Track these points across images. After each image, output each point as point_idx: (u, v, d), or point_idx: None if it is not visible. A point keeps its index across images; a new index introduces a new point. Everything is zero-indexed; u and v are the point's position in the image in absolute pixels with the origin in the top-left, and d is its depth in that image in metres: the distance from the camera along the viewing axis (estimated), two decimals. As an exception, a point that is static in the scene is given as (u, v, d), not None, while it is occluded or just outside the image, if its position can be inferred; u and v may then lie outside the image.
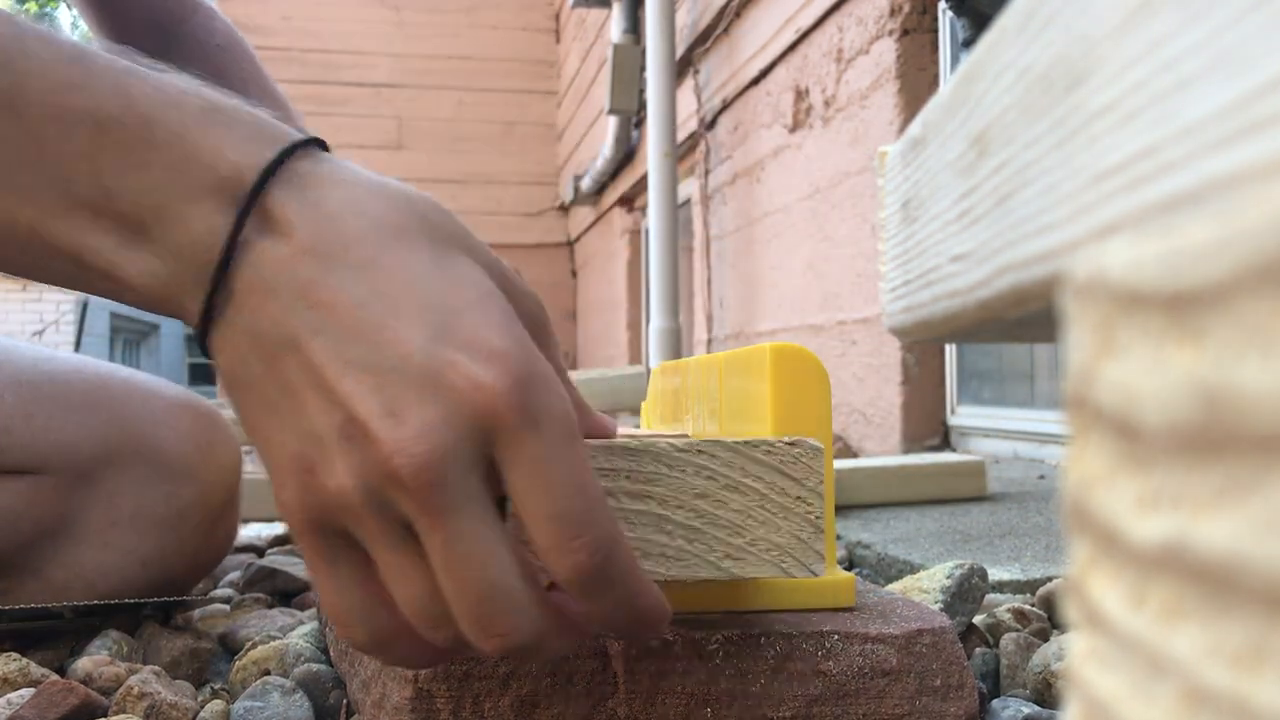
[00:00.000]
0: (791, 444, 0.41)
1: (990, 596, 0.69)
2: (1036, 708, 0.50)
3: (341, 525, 0.36)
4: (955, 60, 1.71)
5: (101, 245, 0.37)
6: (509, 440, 0.34)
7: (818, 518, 0.41)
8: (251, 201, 0.36)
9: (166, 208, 0.37)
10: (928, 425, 1.75)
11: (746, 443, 0.41)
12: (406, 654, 0.37)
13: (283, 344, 0.35)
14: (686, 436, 0.46)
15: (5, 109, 0.36)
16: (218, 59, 0.91)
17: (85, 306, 6.66)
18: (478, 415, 0.34)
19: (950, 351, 1.76)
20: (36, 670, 0.53)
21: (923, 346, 1.72)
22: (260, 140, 0.37)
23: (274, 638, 0.61)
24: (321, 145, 0.38)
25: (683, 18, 2.86)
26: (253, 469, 0.90)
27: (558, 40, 5.22)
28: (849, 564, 0.90)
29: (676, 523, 0.40)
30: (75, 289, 0.41)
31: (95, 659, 0.55)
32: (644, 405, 0.81)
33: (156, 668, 0.54)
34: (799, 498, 0.41)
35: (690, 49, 2.83)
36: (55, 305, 6.82)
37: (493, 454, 0.35)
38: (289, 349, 0.35)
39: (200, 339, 0.38)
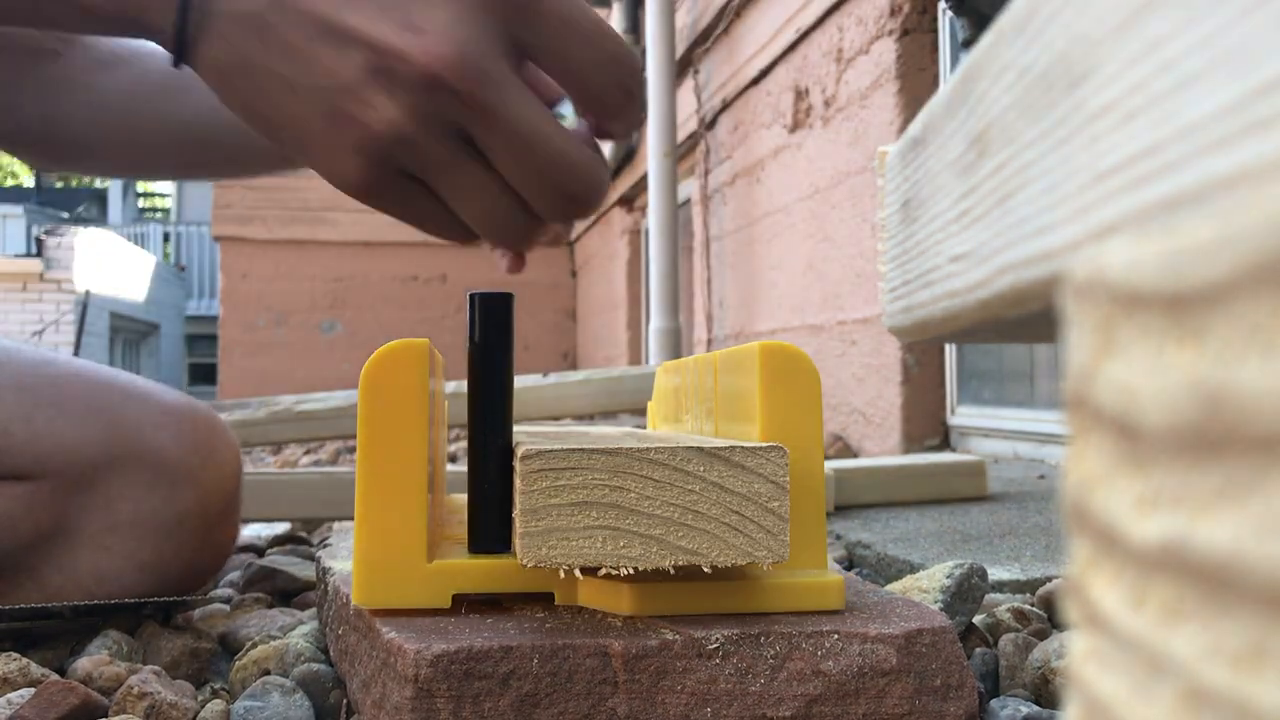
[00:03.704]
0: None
1: (990, 596, 0.69)
2: (1035, 707, 0.50)
3: (400, 164, 0.37)
4: (955, 60, 1.71)
5: None
6: (531, 10, 0.36)
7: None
8: None
9: None
10: (928, 425, 1.75)
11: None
12: (522, 233, 0.41)
13: (270, 7, 0.36)
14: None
15: None
16: None
17: (85, 306, 6.65)
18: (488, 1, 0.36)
19: (950, 351, 1.76)
20: (36, 670, 0.53)
21: (923, 346, 1.72)
22: None
23: (274, 638, 0.61)
24: None
25: (683, 18, 2.86)
26: (252, 471, 0.90)
27: (557, 40, 5.22)
28: (849, 564, 0.90)
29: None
30: (38, 21, 0.40)
31: (95, 659, 0.55)
32: (650, 405, 0.81)
33: (156, 668, 0.54)
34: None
35: (690, 49, 2.83)
36: (55, 305, 6.81)
37: (518, 35, 0.36)
38: (275, 9, 0.36)
39: (179, 51, 0.38)
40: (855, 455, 1.84)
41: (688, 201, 3.16)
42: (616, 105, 0.38)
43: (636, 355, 3.88)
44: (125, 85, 0.66)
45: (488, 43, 0.35)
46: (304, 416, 1.44)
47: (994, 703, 0.51)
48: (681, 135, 2.91)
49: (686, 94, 2.90)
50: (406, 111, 0.35)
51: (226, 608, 0.73)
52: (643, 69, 0.39)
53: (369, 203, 0.38)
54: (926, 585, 0.59)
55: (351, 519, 0.49)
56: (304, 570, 0.81)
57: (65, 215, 10.65)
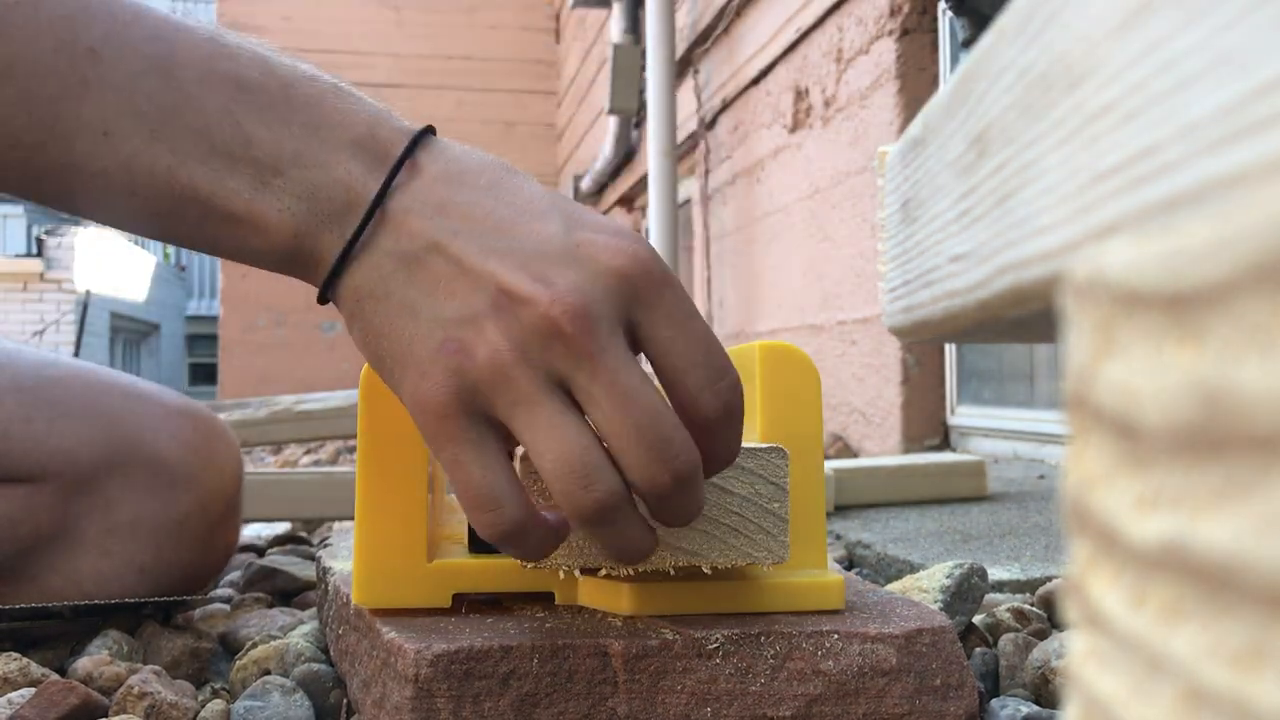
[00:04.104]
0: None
1: (990, 596, 0.69)
2: (1035, 707, 0.50)
3: (488, 402, 0.38)
4: (955, 60, 1.71)
5: (238, 187, 0.41)
6: (652, 299, 0.39)
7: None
8: (406, 155, 0.41)
9: (304, 155, 0.41)
10: (928, 425, 1.75)
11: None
12: (538, 539, 0.40)
13: (426, 248, 0.39)
14: None
15: (158, 71, 0.41)
16: None
17: (85, 306, 6.65)
18: (619, 278, 0.38)
19: (950, 351, 1.76)
20: (37, 670, 0.53)
21: (922, 346, 1.72)
22: (388, 115, 0.43)
23: (274, 637, 0.61)
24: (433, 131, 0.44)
25: (683, 18, 2.86)
26: (252, 471, 0.90)
27: (558, 40, 5.22)
28: (849, 564, 0.90)
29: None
30: (198, 242, 0.44)
31: (95, 659, 0.55)
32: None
33: (157, 667, 0.54)
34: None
35: (690, 49, 2.83)
36: (55, 305, 6.81)
37: (634, 317, 0.38)
38: (431, 251, 0.39)
39: (329, 279, 0.41)
40: (855, 455, 1.84)
41: (688, 201, 3.16)
42: (711, 414, 0.39)
43: (636, 355, 3.87)
44: None
45: (608, 307, 0.37)
46: (304, 416, 1.44)
47: (994, 702, 0.51)
48: (681, 135, 2.91)
49: (686, 94, 2.90)
50: (514, 347, 0.37)
51: (226, 608, 0.73)
52: (741, 392, 0.40)
53: (438, 431, 0.38)
54: (926, 585, 0.59)
55: (351, 519, 0.49)
56: (304, 570, 0.81)
57: (65, 215, 10.65)
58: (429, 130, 0.43)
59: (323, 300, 0.42)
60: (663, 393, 0.39)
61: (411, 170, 0.41)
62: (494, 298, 0.38)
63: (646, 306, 0.39)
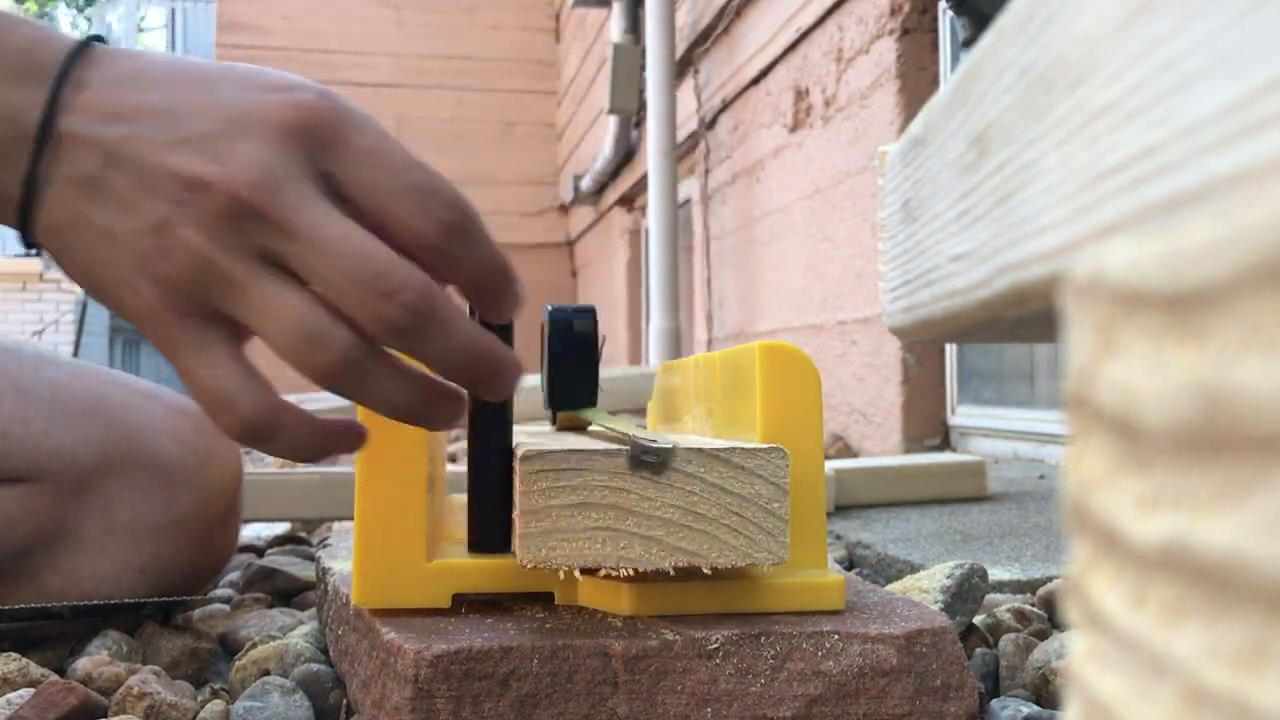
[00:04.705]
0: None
1: (990, 596, 0.69)
2: (1036, 708, 0.50)
3: (203, 300, 0.37)
4: (955, 60, 1.71)
5: None
6: (336, 142, 0.37)
7: None
8: (64, 73, 0.39)
9: None
10: (928, 425, 1.75)
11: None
12: (294, 433, 0.38)
13: (102, 165, 0.38)
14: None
15: None
16: None
17: (85, 306, 6.66)
18: (295, 129, 0.37)
19: (950, 351, 1.76)
20: (36, 670, 0.53)
21: (923, 346, 1.72)
22: (49, 36, 0.40)
23: (274, 638, 0.61)
24: (102, 40, 0.41)
25: (683, 17, 2.86)
26: (252, 471, 0.90)
27: (558, 40, 5.22)
28: (849, 564, 0.90)
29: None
30: None
31: (95, 659, 0.55)
32: (650, 405, 0.81)
33: (156, 668, 0.54)
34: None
35: (690, 49, 2.83)
36: (55, 305, 6.81)
37: (325, 167, 0.37)
38: (107, 166, 0.38)
39: (23, 219, 0.39)
40: (855, 455, 1.84)
41: (688, 201, 3.16)
42: (432, 239, 0.37)
43: (636, 355, 3.88)
44: None
45: (290, 167, 0.36)
46: (304, 416, 1.43)
47: (994, 703, 0.51)
48: (681, 135, 2.91)
49: (686, 94, 2.89)
50: (208, 237, 0.36)
51: (226, 608, 0.73)
52: (466, 206, 0.38)
53: (162, 341, 0.38)
54: (927, 585, 0.59)
55: (351, 519, 0.49)
56: (304, 570, 0.81)
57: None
58: (94, 40, 0.41)
59: (29, 245, 0.40)
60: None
61: (77, 87, 0.39)
62: (175, 194, 0.37)
63: (333, 152, 0.37)
